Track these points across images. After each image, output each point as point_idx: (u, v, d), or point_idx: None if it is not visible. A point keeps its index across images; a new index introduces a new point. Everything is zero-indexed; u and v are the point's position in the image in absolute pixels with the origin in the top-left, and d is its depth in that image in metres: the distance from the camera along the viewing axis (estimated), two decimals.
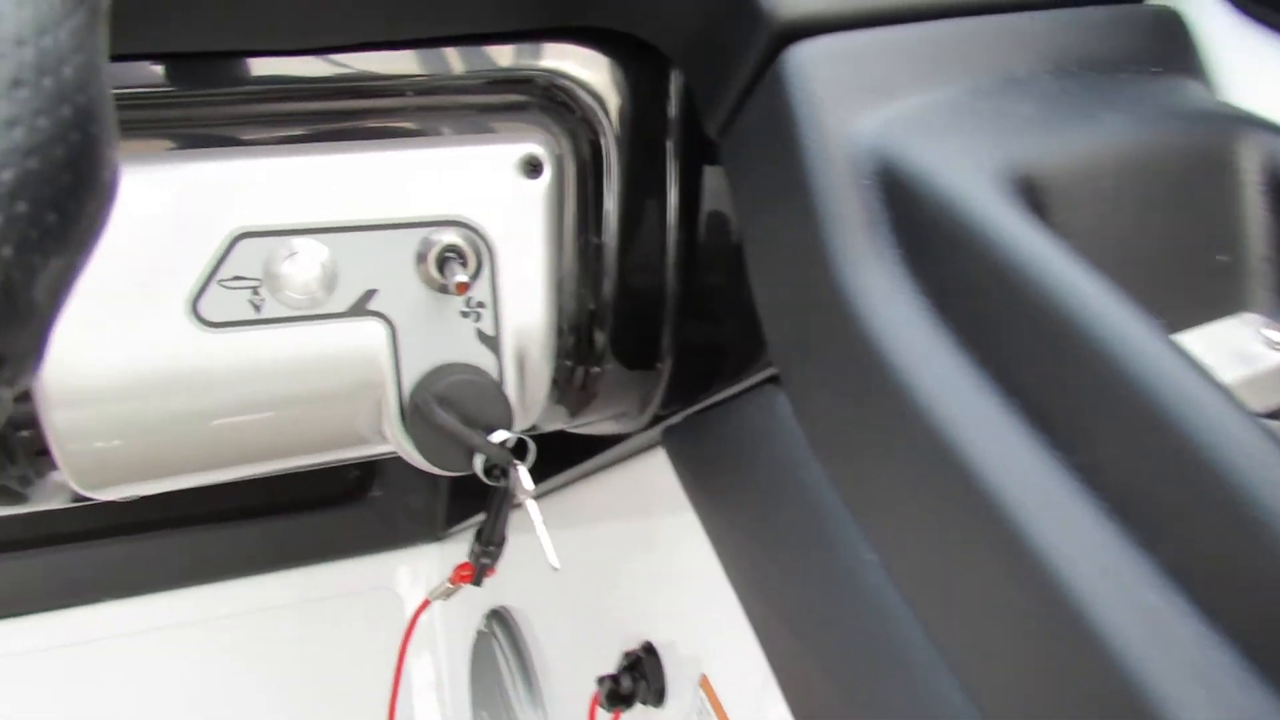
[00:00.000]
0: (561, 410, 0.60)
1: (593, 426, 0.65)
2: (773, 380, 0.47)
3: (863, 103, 0.39)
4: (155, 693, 1.23)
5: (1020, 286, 0.31)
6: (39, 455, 0.47)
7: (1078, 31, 0.42)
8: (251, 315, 0.45)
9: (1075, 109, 0.38)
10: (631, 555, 0.80)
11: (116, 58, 0.42)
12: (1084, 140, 0.36)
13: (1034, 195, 0.34)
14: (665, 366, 0.57)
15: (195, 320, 0.44)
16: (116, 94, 0.43)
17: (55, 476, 0.49)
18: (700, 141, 0.52)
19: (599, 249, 0.54)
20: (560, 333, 0.55)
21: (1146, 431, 0.27)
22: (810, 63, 0.39)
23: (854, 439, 0.37)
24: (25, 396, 0.44)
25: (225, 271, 0.44)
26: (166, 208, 0.43)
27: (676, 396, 0.58)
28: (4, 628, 1.15)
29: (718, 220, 0.54)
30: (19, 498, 0.51)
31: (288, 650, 1.29)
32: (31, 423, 0.45)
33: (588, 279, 0.55)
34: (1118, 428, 0.28)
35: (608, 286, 0.55)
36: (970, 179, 0.34)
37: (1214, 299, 0.38)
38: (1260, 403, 0.36)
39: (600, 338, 0.56)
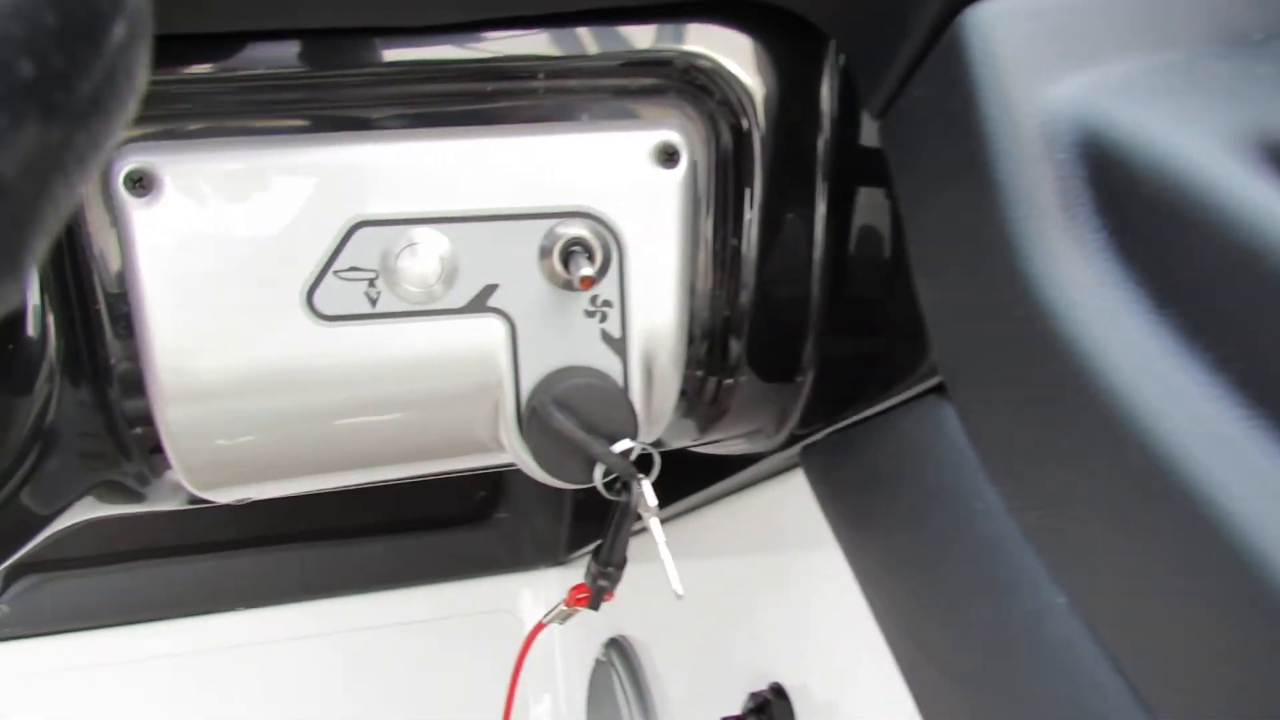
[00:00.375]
0: (690, 425, 0.55)
1: (723, 445, 0.60)
2: (935, 391, 0.41)
3: (1059, 67, 0.33)
4: (274, 703, 1.24)
5: None
6: (153, 453, 0.46)
7: None
8: (367, 309, 0.43)
9: None
10: (762, 587, 0.74)
11: (238, 36, 0.40)
12: None
13: None
14: (806, 380, 0.52)
15: (310, 313, 0.42)
16: (240, 75, 0.42)
17: (171, 476, 0.48)
18: (855, 132, 0.47)
19: (736, 249, 0.49)
20: (691, 339, 0.50)
21: None
22: (994, 22, 0.34)
23: (1045, 460, 0.31)
24: (139, 390, 0.43)
25: (342, 262, 0.42)
26: (285, 192, 0.41)
27: (818, 413, 0.53)
28: (142, 631, 1.18)
29: (872, 218, 0.48)
30: (137, 497, 0.50)
31: (405, 668, 1.28)
32: (146, 419, 0.44)
33: (723, 281, 0.50)
34: None
35: (745, 290, 0.50)
36: (1207, 147, 0.28)
37: None
38: None
39: (735, 346, 0.51)
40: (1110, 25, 0.34)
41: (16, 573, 1.12)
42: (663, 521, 0.46)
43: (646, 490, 0.44)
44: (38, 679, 1.16)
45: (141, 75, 0.17)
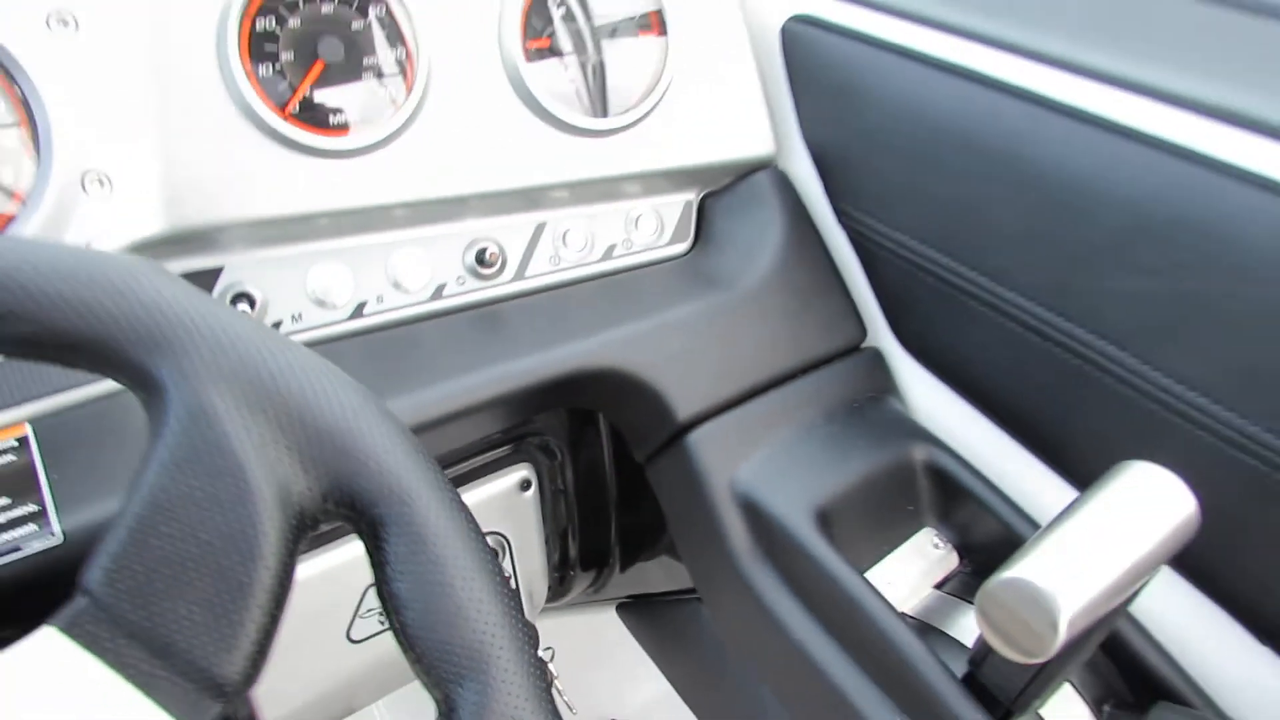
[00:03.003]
0: (550, 602, 0.90)
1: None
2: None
3: (733, 460, 0.71)
4: None
5: (818, 579, 0.64)
6: None
7: (833, 381, 0.76)
8: (380, 629, 0.72)
9: (842, 448, 0.72)
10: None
11: None
12: (848, 474, 0.70)
13: (825, 517, 0.68)
14: (615, 562, 0.89)
15: (349, 642, 0.71)
16: None
17: None
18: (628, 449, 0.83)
19: (570, 506, 0.84)
20: (550, 564, 0.85)
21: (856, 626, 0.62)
22: (702, 441, 0.70)
23: (754, 651, 0.70)
24: None
25: (363, 607, 0.71)
26: (328, 578, 0.69)
27: (623, 585, 0.90)
28: None
29: (640, 488, 0.85)
30: None
31: None
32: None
33: (564, 524, 0.85)
34: (859, 633, 0.62)
35: (575, 526, 0.85)
36: (794, 513, 0.67)
37: (910, 526, 0.73)
38: (928, 583, 0.71)
39: (573, 552, 0.87)
40: (751, 432, 0.72)
41: None
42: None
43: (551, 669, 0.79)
44: None
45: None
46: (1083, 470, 0.66)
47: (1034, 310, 0.63)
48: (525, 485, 0.78)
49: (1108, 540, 0.45)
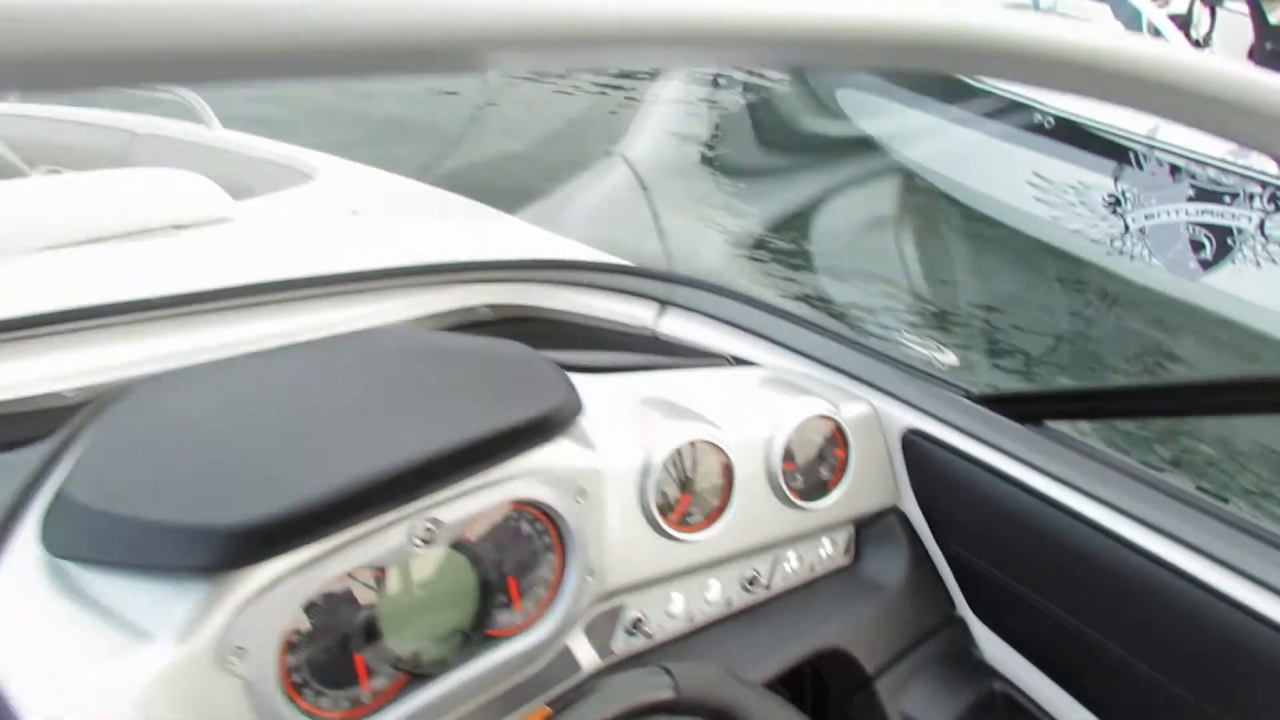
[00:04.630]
0: None
1: None
2: None
3: (899, 694, 1.25)
4: None
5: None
6: None
7: (942, 638, 1.31)
8: None
9: (951, 681, 1.27)
10: None
11: None
12: (960, 699, 1.25)
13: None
14: None
15: None
16: None
17: None
18: None
19: None
20: None
21: None
22: (881, 687, 1.25)
23: None
24: None
25: None
26: None
27: None
28: None
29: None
30: None
31: None
32: None
33: None
34: None
35: None
36: None
37: None
38: None
39: None
40: (906, 674, 1.27)
41: None
42: None
43: None
44: None
45: None
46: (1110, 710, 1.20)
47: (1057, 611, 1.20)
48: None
49: None
